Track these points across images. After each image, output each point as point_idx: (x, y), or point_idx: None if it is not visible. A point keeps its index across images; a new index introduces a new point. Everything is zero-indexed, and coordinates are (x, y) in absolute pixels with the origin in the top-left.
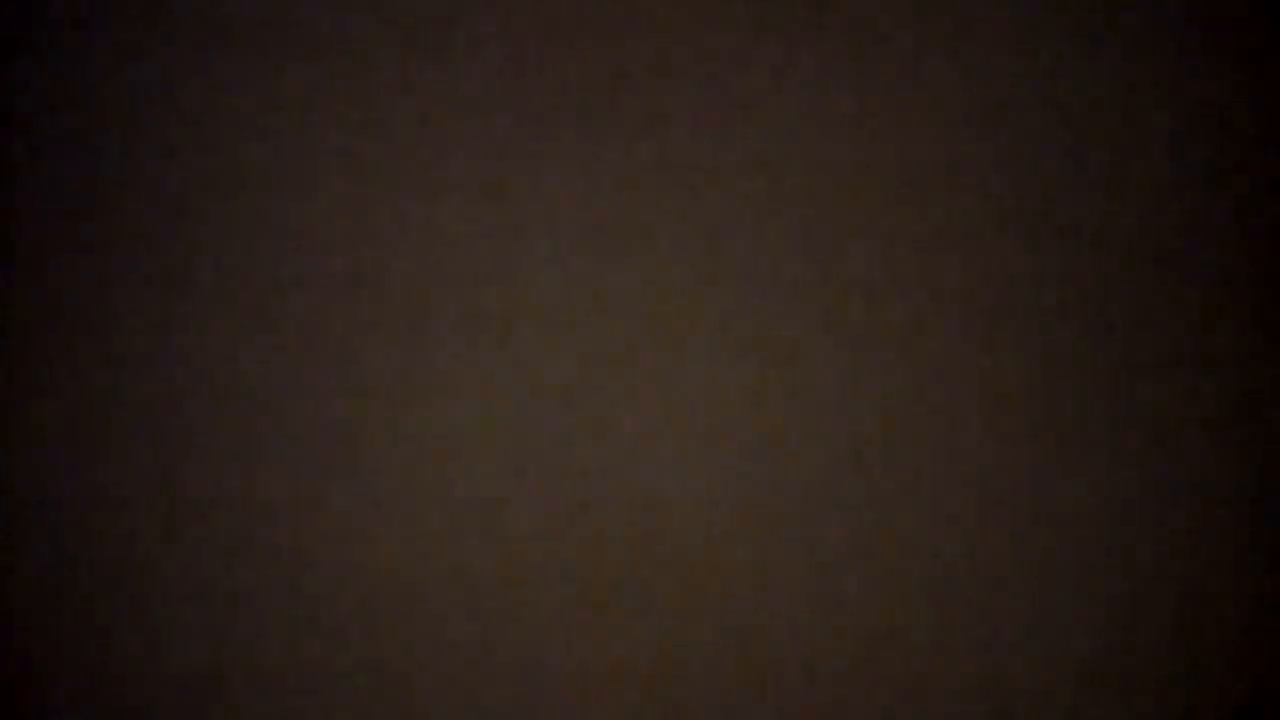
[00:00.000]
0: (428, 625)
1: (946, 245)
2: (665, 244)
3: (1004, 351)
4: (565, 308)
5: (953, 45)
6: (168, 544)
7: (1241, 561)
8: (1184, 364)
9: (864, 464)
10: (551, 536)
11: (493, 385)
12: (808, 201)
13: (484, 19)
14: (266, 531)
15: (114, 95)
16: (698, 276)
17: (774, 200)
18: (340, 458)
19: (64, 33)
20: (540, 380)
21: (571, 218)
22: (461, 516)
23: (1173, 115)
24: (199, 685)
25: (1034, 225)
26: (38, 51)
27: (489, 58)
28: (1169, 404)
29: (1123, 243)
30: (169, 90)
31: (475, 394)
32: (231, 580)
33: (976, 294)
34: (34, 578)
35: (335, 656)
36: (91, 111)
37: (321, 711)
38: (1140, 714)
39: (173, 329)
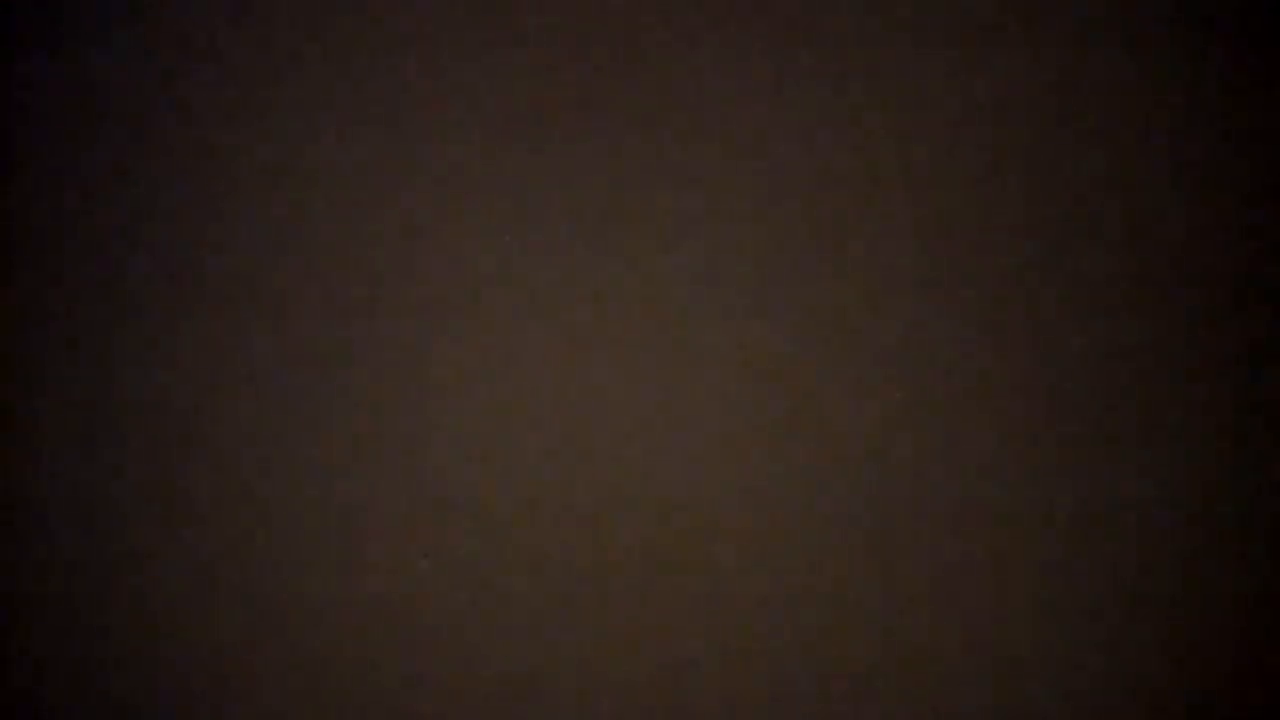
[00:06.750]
0: (428, 625)
1: (946, 244)
2: (665, 243)
3: (1004, 351)
4: (564, 307)
5: (952, 45)
6: (168, 544)
7: (1241, 561)
8: (1184, 364)
9: (864, 462)
10: (551, 536)
11: (492, 384)
12: (806, 200)
13: (482, 19)
14: (266, 531)
15: (114, 95)
16: (697, 275)
17: (773, 198)
18: (340, 457)
19: (65, 33)
20: (540, 379)
21: (570, 216)
22: (461, 515)
23: (1173, 115)
24: (199, 685)
25: (1034, 225)
26: (39, 51)
27: (487, 57)
28: (1169, 403)
29: (1124, 242)
30: (169, 90)
31: (475, 393)
32: (231, 580)
33: (977, 293)
34: (34, 578)
35: (335, 656)
36: (91, 111)
37: (322, 711)
38: (1140, 714)
39: (173, 329)
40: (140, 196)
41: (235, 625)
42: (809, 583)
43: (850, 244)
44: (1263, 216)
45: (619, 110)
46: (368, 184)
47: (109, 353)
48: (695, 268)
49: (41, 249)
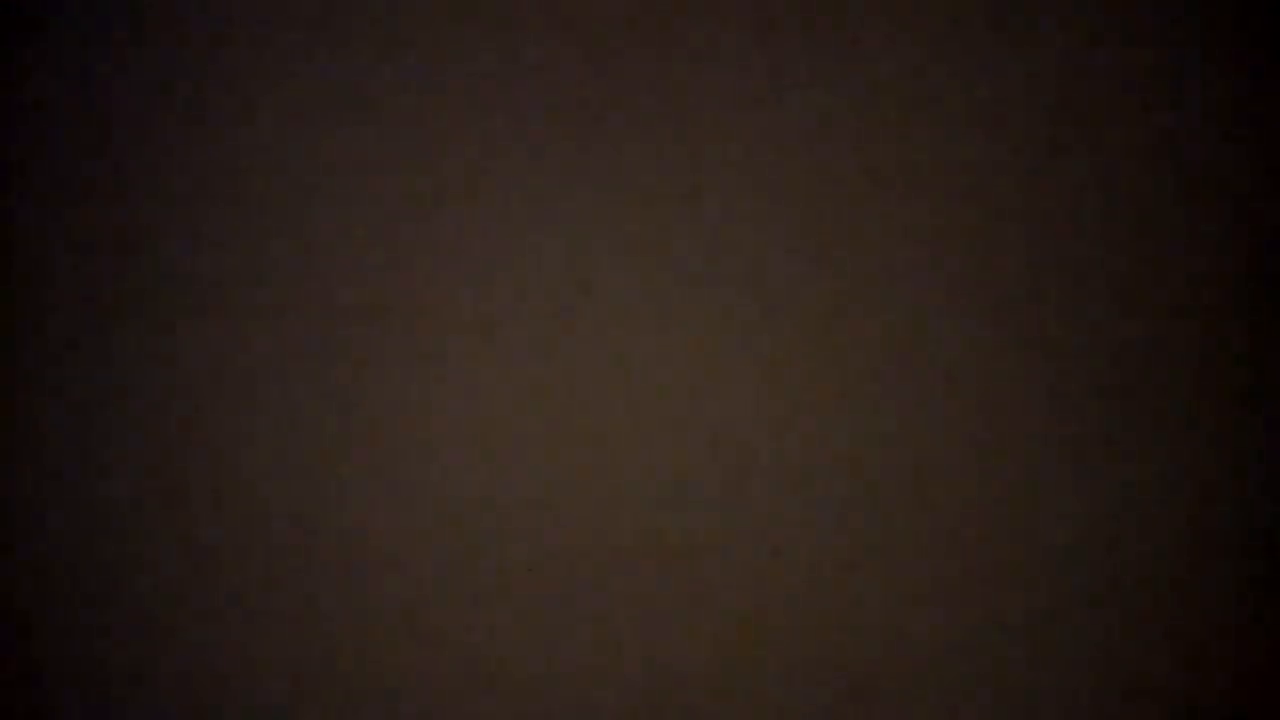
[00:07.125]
0: (425, 625)
1: (945, 245)
2: (663, 244)
3: (1003, 351)
4: (563, 308)
5: (952, 45)
6: (168, 544)
7: (1241, 561)
8: (1184, 364)
9: (863, 463)
10: (551, 535)
11: (492, 385)
12: (806, 201)
13: (482, 19)
14: (266, 532)
15: (114, 95)
16: (696, 277)
17: (772, 200)
18: (340, 457)
19: (64, 32)
20: (539, 381)
21: (569, 217)
22: (461, 517)
23: (1173, 115)
24: (199, 685)
25: (1034, 225)
26: (38, 51)
27: (486, 57)
28: (1169, 403)
29: (1124, 242)
30: (169, 90)
31: (474, 394)
32: (231, 581)
33: (976, 294)
34: (34, 578)
35: (334, 656)
36: (92, 111)
37: (322, 711)
38: (1141, 714)
39: (173, 329)
40: (140, 196)
41: (235, 625)
42: (810, 582)
43: (850, 246)
44: (1263, 216)
45: (621, 111)
46: (369, 185)
47: (109, 353)
48: (696, 268)
49: (41, 249)
